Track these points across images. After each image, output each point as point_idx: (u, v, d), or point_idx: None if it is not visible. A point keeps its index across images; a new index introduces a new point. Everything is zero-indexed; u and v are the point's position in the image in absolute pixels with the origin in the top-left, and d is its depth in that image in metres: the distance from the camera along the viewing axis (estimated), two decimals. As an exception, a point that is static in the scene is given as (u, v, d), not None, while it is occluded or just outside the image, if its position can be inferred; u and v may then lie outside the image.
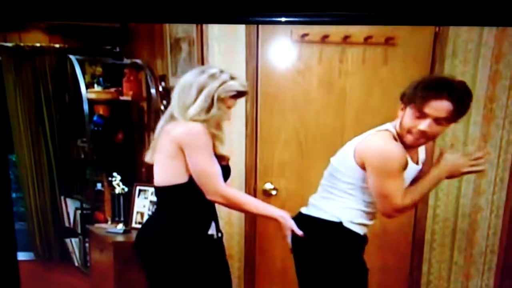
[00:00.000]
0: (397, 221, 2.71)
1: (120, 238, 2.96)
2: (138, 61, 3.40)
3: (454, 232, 2.82)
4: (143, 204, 3.08)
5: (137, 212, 3.08)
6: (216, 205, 1.95)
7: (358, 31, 2.49)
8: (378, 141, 1.79)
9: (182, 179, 1.80)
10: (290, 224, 1.88)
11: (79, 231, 3.72)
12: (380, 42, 2.51)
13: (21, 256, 3.70)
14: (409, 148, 1.82)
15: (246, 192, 2.66)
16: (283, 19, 1.83)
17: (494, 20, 1.90)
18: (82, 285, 3.46)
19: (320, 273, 1.92)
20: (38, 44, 3.49)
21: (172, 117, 1.83)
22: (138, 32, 3.48)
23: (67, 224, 3.85)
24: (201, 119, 1.76)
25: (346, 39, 2.50)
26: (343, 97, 2.59)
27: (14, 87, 3.50)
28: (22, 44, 3.45)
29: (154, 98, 3.28)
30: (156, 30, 3.19)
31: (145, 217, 3.05)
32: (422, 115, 1.71)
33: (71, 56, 3.37)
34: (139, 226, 2.62)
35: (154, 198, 2.82)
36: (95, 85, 3.45)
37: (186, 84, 1.80)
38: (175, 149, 1.76)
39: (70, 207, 3.81)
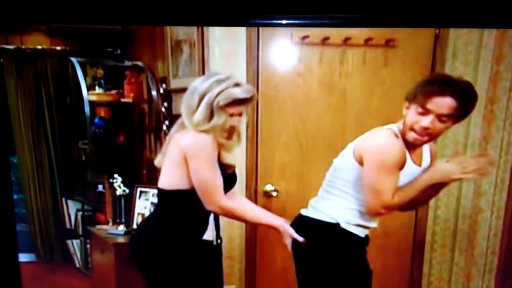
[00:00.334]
0: (398, 222, 2.72)
1: (121, 240, 2.96)
2: (139, 63, 3.40)
3: (455, 233, 2.82)
4: (144, 206, 3.09)
5: (138, 214, 3.08)
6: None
7: (358, 33, 2.50)
8: (378, 137, 1.81)
9: (185, 186, 1.82)
10: (290, 232, 1.91)
11: (80, 232, 3.72)
12: (381, 44, 2.52)
13: (23, 257, 3.69)
14: (412, 147, 1.82)
15: (246, 193, 2.67)
16: (283, 22, 1.84)
17: (494, 22, 1.91)
18: (83, 286, 3.46)
19: (320, 275, 1.93)
20: (39, 47, 3.50)
21: (182, 125, 1.83)
22: (139, 34, 3.48)
23: (68, 226, 3.85)
24: (206, 128, 1.76)
25: (346, 41, 2.51)
26: (343, 99, 2.59)
27: (16, 90, 3.50)
28: (23, 47, 3.46)
29: (155, 100, 3.29)
30: (157, 32, 3.19)
31: (146, 219, 3.06)
32: (425, 111, 1.72)
33: (73, 59, 3.37)
34: (140, 227, 2.62)
35: (155, 200, 2.82)
36: (96, 87, 3.46)
37: (191, 89, 1.80)
38: (181, 158, 1.78)
39: (71, 209, 3.81)
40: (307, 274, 1.97)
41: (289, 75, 2.57)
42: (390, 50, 2.53)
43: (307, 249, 1.91)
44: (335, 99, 2.59)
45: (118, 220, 3.14)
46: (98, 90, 3.45)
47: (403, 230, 2.78)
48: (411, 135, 1.78)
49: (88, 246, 3.47)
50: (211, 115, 1.75)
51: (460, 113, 1.73)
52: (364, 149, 1.81)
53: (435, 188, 1.86)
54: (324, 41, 2.51)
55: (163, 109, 3.15)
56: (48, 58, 3.53)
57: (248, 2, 1.73)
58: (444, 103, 1.69)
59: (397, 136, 1.80)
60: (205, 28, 2.55)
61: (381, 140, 1.78)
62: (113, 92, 3.46)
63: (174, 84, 3.04)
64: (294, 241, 1.91)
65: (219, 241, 2.04)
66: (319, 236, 1.92)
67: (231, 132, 1.85)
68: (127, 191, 3.12)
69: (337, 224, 1.89)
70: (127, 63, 3.46)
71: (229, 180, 1.90)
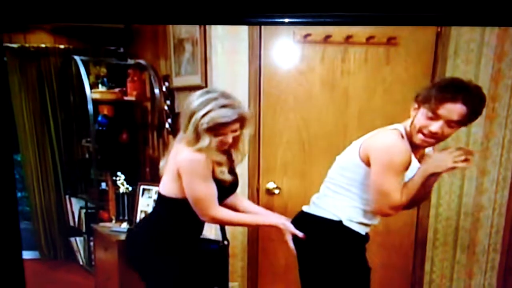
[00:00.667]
0: (400, 220, 2.72)
1: (124, 237, 2.97)
2: (142, 61, 3.42)
3: (456, 231, 2.82)
4: (147, 203, 3.10)
5: (141, 211, 3.10)
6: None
7: (360, 31, 2.50)
8: (385, 138, 1.80)
9: (180, 195, 1.84)
10: (291, 229, 1.92)
11: (83, 230, 3.74)
12: (382, 42, 2.52)
13: (26, 255, 3.73)
14: (417, 148, 1.83)
15: (249, 191, 2.68)
16: (285, 20, 1.84)
17: (496, 20, 1.91)
18: (86, 283, 3.48)
19: (322, 272, 1.93)
20: (43, 45, 3.51)
21: (183, 138, 1.84)
22: (142, 32, 3.50)
23: (71, 223, 3.87)
24: (196, 149, 1.75)
25: (348, 39, 2.51)
26: (345, 97, 2.59)
27: (19, 88, 3.52)
28: (27, 45, 3.48)
29: (157, 98, 3.30)
30: (159, 30, 3.21)
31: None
32: (435, 117, 1.72)
33: (76, 57, 3.39)
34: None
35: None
36: (100, 86, 3.47)
37: (186, 104, 1.79)
38: (176, 171, 1.81)
39: (75, 206, 3.83)
40: (309, 270, 1.98)
41: (291, 73, 2.57)
42: (392, 48, 2.53)
43: (308, 245, 1.92)
44: (337, 97, 2.60)
45: (121, 218, 3.16)
46: (101, 88, 3.46)
47: (405, 228, 2.79)
48: (419, 138, 1.78)
49: (92, 243, 3.49)
50: (197, 137, 1.74)
51: (470, 118, 1.73)
52: (371, 150, 1.81)
53: (430, 180, 1.87)
54: (326, 39, 2.51)
55: (165, 107, 3.16)
56: (51, 56, 3.55)
57: (250, 1, 1.74)
58: (455, 110, 1.69)
59: (402, 136, 1.80)
60: (207, 26, 2.56)
61: (388, 142, 1.78)
62: (116, 90, 3.47)
63: (177, 82, 3.05)
64: (296, 237, 1.92)
65: (225, 242, 2.08)
66: (321, 232, 1.93)
67: (224, 149, 1.84)
68: (130, 188, 3.13)
69: (340, 222, 1.89)
70: (130, 61, 3.48)
71: (228, 189, 1.92)
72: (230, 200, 2.01)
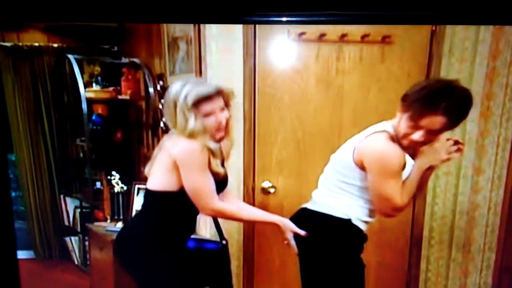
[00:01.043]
0: (395, 218, 2.68)
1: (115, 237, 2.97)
2: (136, 60, 3.41)
3: (452, 230, 2.82)
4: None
5: (136, 211, 3.09)
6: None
7: (355, 30, 2.49)
8: (377, 144, 1.79)
9: (173, 188, 1.82)
10: (291, 227, 1.90)
11: (78, 229, 3.74)
12: (377, 40, 2.52)
13: (21, 254, 3.72)
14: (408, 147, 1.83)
15: (244, 190, 2.67)
16: (280, 19, 1.83)
17: (491, 19, 1.90)
18: (82, 283, 3.47)
19: (324, 269, 1.93)
20: (36, 44, 3.50)
21: (173, 132, 1.84)
22: (136, 31, 3.48)
23: (66, 223, 3.86)
24: (189, 132, 1.75)
25: (343, 37, 2.51)
26: (340, 95, 2.59)
27: (13, 87, 3.51)
28: (20, 44, 3.46)
29: (152, 97, 3.29)
30: (153, 29, 3.19)
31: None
32: (417, 127, 1.72)
33: (70, 56, 3.37)
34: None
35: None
36: (94, 84, 3.46)
37: (166, 103, 1.82)
38: (171, 164, 1.79)
39: (70, 206, 3.83)
40: (311, 268, 1.97)
41: (286, 71, 2.56)
42: (387, 47, 2.53)
43: (312, 243, 1.91)
44: (332, 96, 2.59)
45: (116, 217, 3.15)
46: (95, 87, 3.45)
47: (400, 226, 2.79)
48: (405, 143, 1.78)
49: (87, 243, 3.48)
50: (186, 120, 1.75)
51: (454, 124, 1.73)
52: (364, 158, 1.80)
53: (426, 173, 1.87)
54: (321, 37, 2.51)
55: (160, 106, 3.15)
56: (45, 55, 3.54)
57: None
58: (436, 121, 1.68)
59: (392, 138, 1.80)
60: (202, 25, 2.55)
61: (380, 149, 1.77)
62: (111, 89, 3.46)
63: (171, 81, 3.04)
64: (298, 238, 1.91)
65: (224, 242, 2.07)
66: (329, 230, 1.92)
67: (217, 130, 1.83)
68: (125, 188, 3.13)
69: (348, 220, 1.90)
70: (124, 60, 3.47)
71: (220, 184, 1.91)
72: (222, 196, 2.00)
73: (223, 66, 2.56)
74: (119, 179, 3.11)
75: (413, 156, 1.87)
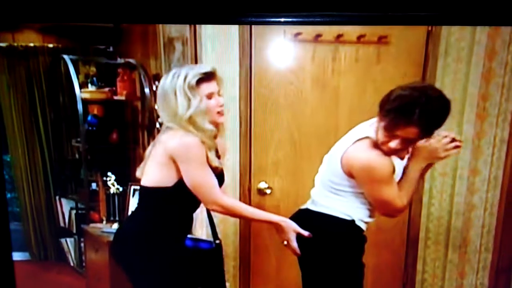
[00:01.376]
0: (392, 219, 2.71)
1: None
2: (132, 60, 3.39)
3: (448, 230, 2.83)
4: (138, 204, 3.08)
5: (132, 211, 3.07)
6: (212, 212, 1.97)
7: (351, 30, 2.49)
8: (361, 155, 1.78)
9: (169, 183, 1.81)
10: (294, 227, 1.89)
11: (74, 231, 3.72)
12: (373, 41, 2.52)
13: (16, 256, 3.70)
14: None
15: (240, 191, 2.67)
16: (276, 19, 1.83)
17: (486, 20, 1.90)
18: (77, 285, 3.45)
19: (326, 269, 1.94)
20: (31, 44, 3.48)
21: (168, 128, 1.83)
22: (132, 31, 3.47)
23: (62, 224, 3.84)
24: (190, 114, 1.75)
25: (339, 38, 2.50)
26: (336, 95, 2.59)
27: (8, 87, 3.49)
28: (15, 44, 3.44)
29: (148, 97, 3.28)
30: (149, 29, 3.18)
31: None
32: (393, 136, 1.71)
33: (65, 56, 3.35)
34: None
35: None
36: (89, 85, 3.44)
37: (162, 93, 1.82)
38: (167, 159, 1.78)
39: (65, 207, 3.80)
40: (313, 268, 1.97)
41: (282, 72, 2.56)
42: (383, 47, 2.53)
43: (315, 243, 1.90)
44: (328, 96, 2.59)
45: (112, 218, 3.14)
46: (90, 87, 3.43)
47: (396, 227, 2.79)
48: (385, 149, 1.76)
49: (82, 244, 3.46)
50: (189, 100, 1.75)
51: (429, 133, 1.72)
52: (352, 168, 1.80)
53: (423, 171, 1.87)
54: (317, 38, 2.50)
55: (156, 107, 3.14)
56: (40, 55, 3.52)
57: (241, 0, 1.73)
58: (410, 131, 1.67)
59: (375, 144, 1.78)
60: (197, 25, 2.54)
61: (366, 159, 1.76)
62: (106, 89, 3.44)
63: (167, 81, 3.03)
64: (300, 238, 1.90)
65: (217, 241, 2.05)
66: (332, 231, 1.92)
67: (218, 114, 1.83)
68: (120, 189, 3.11)
69: (352, 221, 1.90)
70: (120, 60, 3.45)
71: (217, 180, 1.89)
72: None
73: (219, 67, 2.54)
74: (115, 180, 3.10)
75: (402, 155, 1.86)
